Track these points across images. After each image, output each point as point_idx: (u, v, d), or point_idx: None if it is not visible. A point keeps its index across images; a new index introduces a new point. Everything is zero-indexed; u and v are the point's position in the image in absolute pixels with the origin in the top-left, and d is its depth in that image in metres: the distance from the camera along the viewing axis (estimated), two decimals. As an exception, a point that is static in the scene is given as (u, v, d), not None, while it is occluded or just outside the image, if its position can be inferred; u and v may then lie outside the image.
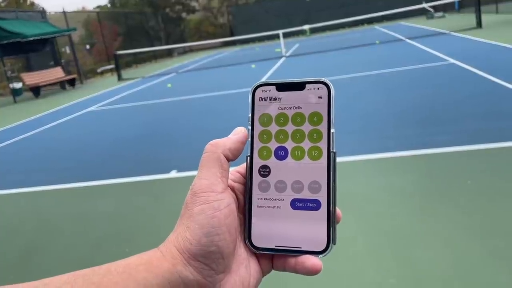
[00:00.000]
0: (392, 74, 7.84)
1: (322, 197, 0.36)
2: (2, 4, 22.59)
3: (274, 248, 0.36)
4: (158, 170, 4.35)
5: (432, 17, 21.74)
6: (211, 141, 0.38)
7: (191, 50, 32.59)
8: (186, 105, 8.18)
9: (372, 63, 9.64)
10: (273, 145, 0.37)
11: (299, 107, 0.37)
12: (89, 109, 9.78)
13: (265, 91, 0.39)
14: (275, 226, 0.36)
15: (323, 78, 0.38)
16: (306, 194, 0.36)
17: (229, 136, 0.39)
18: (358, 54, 12.08)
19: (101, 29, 22.90)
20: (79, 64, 18.88)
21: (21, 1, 23.89)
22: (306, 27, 19.66)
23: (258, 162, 0.37)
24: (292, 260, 0.36)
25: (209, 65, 16.65)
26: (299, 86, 0.38)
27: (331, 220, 0.36)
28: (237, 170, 0.40)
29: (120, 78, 16.36)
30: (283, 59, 14.21)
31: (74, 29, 17.73)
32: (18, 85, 15.03)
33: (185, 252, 0.33)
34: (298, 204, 0.36)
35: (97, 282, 0.32)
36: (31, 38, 14.51)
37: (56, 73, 16.25)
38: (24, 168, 5.39)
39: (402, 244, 2.34)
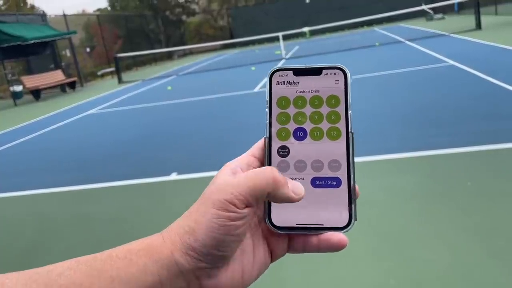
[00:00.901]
0: (392, 76, 7.85)
1: (342, 175, 0.36)
2: (3, 8, 22.66)
3: (296, 227, 0.36)
4: (158, 172, 4.36)
5: (431, 18, 21.78)
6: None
7: (191, 52, 32.64)
8: (186, 107, 8.19)
9: (372, 65, 9.65)
10: (291, 126, 0.38)
11: (317, 91, 0.38)
12: (89, 111, 9.80)
13: (282, 75, 0.39)
14: (295, 205, 0.36)
15: (339, 64, 0.39)
16: (326, 172, 0.36)
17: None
18: (358, 56, 12.09)
19: (102, 32, 22.94)
20: (79, 67, 18.91)
21: (22, 4, 23.96)
22: (306, 29, 19.71)
23: (276, 143, 0.38)
24: (314, 239, 0.36)
25: (209, 68, 16.67)
26: (316, 71, 0.38)
27: (352, 197, 0.36)
28: (252, 154, 0.39)
29: (120, 80, 16.38)
30: (283, 61, 14.23)
31: (75, 32, 17.76)
32: (18, 88, 15.05)
33: (186, 245, 0.33)
34: (318, 182, 0.36)
35: (100, 267, 0.32)
36: (32, 41, 14.54)
37: (57, 76, 16.27)
38: (24, 170, 5.39)
39: (402, 245, 2.35)
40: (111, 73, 21.18)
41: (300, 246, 0.36)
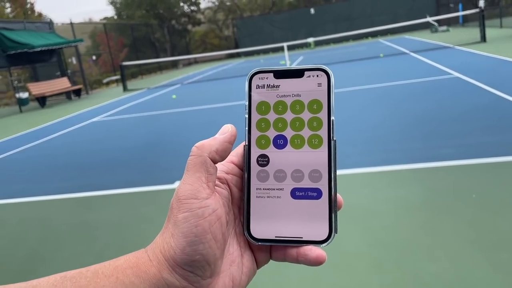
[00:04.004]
0: (396, 87, 7.86)
1: (323, 185, 0.35)
2: (10, 15, 22.93)
3: (274, 239, 0.35)
4: (162, 180, 4.36)
5: (436, 30, 21.84)
6: (197, 143, 0.36)
7: (196, 61, 32.85)
8: (191, 116, 8.22)
9: (376, 76, 9.67)
10: (271, 133, 0.36)
11: (298, 95, 0.36)
12: (94, 119, 9.85)
13: (262, 78, 0.37)
14: (275, 217, 0.35)
15: (322, 65, 0.37)
16: (306, 183, 0.35)
17: (215, 136, 0.37)
18: (362, 67, 12.13)
19: (108, 40, 23.15)
20: (85, 75, 19.06)
21: (29, 12, 24.24)
22: (310, 39, 19.80)
23: (256, 152, 0.36)
24: (293, 251, 0.35)
25: (214, 77, 16.75)
26: (297, 74, 0.37)
27: (333, 209, 0.35)
28: (231, 160, 0.38)
29: (125, 88, 16.48)
30: (287, 71, 14.27)
31: (81, 40, 17.94)
32: (24, 94, 15.17)
33: (170, 259, 0.33)
34: (298, 194, 0.35)
35: (85, 285, 0.31)
36: (39, 49, 14.68)
37: (62, 84, 16.40)
38: (29, 177, 5.41)
39: (406, 257, 2.33)
40: (116, 81, 21.32)
41: (280, 256, 0.36)
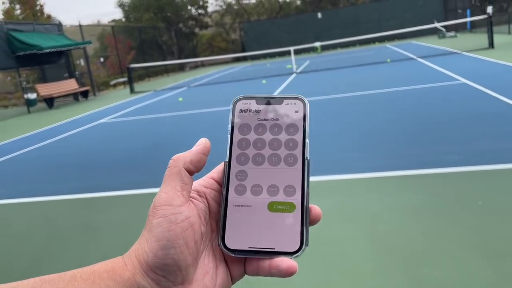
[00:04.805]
0: (403, 93, 7.84)
1: (296, 200, 0.37)
2: (20, 17, 23.18)
3: (248, 250, 0.36)
4: (168, 182, 4.38)
5: (443, 36, 21.78)
6: (173, 156, 0.38)
7: (202, 64, 32.98)
8: (197, 118, 8.25)
9: (383, 81, 9.66)
10: (251, 151, 0.39)
11: (277, 119, 0.39)
12: (101, 120, 9.91)
13: (245, 104, 0.41)
14: (249, 229, 0.37)
15: (299, 95, 0.40)
16: (281, 197, 0.37)
17: (191, 148, 0.39)
18: (369, 72, 12.11)
19: (116, 43, 23.32)
20: (92, 77, 19.20)
21: (38, 14, 24.49)
22: (317, 44, 19.81)
23: (235, 167, 0.39)
24: (266, 263, 0.36)
25: (220, 80, 16.81)
26: (277, 101, 0.40)
27: (305, 222, 0.36)
28: (211, 176, 0.40)
29: (132, 90, 16.59)
30: (294, 75, 14.30)
31: (90, 42, 18.08)
32: (32, 95, 15.31)
33: (143, 263, 0.34)
34: (273, 207, 0.37)
35: (62, 287, 0.33)
36: (47, 50, 14.83)
37: (70, 85, 16.54)
38: (36, 177, 5.46)
39: (411, 263, 2.32)
40: (123, 83, 21.45)
41: (254, 270, 0.36)
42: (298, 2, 40.20)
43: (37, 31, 16.21)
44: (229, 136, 0.40)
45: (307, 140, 0.38)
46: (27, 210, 4.24)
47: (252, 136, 0.39)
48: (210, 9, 38.74)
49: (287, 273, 0.35)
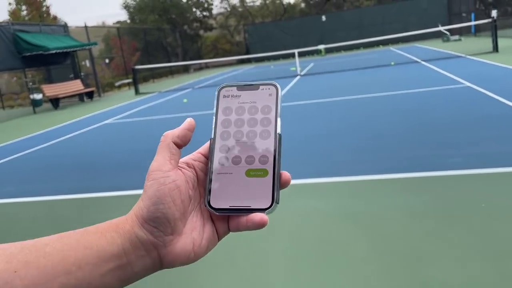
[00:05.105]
0: (407, 96, 7.86)
1: (269, 167, 0.43)
2: (26, 18, 23.35)
3: (229, 208, 0.42)
4: (172, 183, 4.42)
5: (448, 40, 21.76)
6: (164, 133, 0.46)
7: (207, 66, 33.09)
8: (201, 120, 8.26)
9: (386, 84, 9.68)
10: (232, 129, 0.46)
11: (254, 102, 0.46)
12: (106, 121, 9.98)
13: (228, 90, 0.48)
14: (230, 191, 0.43)
15: (273, 82, 0.47)
16: (256, 165, 0.43)
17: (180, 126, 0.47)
18: (373, 75, 12.14)
19: (121, 44, 23.45)
20: (97, 78, 19.31)
21: (44, 15, 24.66)
22: (321, 47, 19.86)
23: (219, 143, 0.46)
24: (243, 219, 0.42)
25: (225, 82, 16.86)
26: (254, 87, 0.47)
27: (275, 185, 0.42)
28: (199, 152, 0.48)
29: (137, 92, 16.68)
30: (298, 77, 14.34)
31: (95, 44, 18.20)
32: (38, 96, 15.42)
33: (140, 217, 0.41)
34: (250, 173, 0.43)
35: (77, 238, 0.40)
36: (53, 51, 14.94)
37: (76, 86, 16.65)
38: (42, 177, 5.51)
39: (414, 264, 2.35)
40: (128, 84, 21.56)
41: (235, 226, 0.43)
42: (303, 5, 40.27)
43: (44, 32, 16.34)
44: (214, 117, 0.48)
45: (278, 118, 0.45)
46: (33, 208, 4.29)
47: (233, 117, 0.46)
48: (214, 11, 38.88)
49: (260, 225, 0.41)
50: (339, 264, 2.46)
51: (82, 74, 18.26)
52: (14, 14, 23.27)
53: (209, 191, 0.43)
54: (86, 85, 17.70)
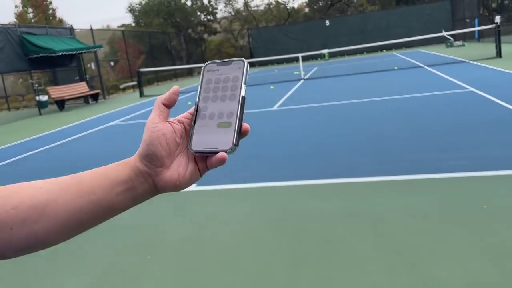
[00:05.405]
0: (410, 100, 7.91)
1: (233, 120, 0.56)
2: (32, 20, 23.56)
3: (203, 150, 0.56)
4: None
5: (451, 45, 21.80)
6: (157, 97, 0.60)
7: (211, 70, 33.15)
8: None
9: (390, 88, 9.73)
10: (211, 94, 0.59)
11: (227, 73, 0.59)
12: (111, 123, 10.07)
13: (210, 66, 0.61)
14: (205, 138, 0.56)
15: (242, 58, 0.59)
16: (224, 119, 0.57)
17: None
18: (376, 79, 12.19)
19: (126, 47, 23.61)
20: (102, 80, 19.45)
21: (50, 18, 24.87)
22: (325, 51, 19.94)
23: (201, 104, 0.59)
24: (212, 158, 0.55)
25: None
26: (228, 63, 0.60)
27: (236, 133, 0.55)
28: (189, 112, 0.61)
29: (142, 94, 16.79)
30: (301, 81, 14.42)
31: (101, 46, 18.34)
32: (44, 97, 15.55)
33: (139, 155, 0.56)
34: (220, 124, 0.56)
35: (100, 171, 0.56)
36: (60, 53, 15.07)
37: (81, 88, 16.78)
38: (48, 177, 5.58)
39: (416, 263, 2.39)
40: (132, 87, 21.70)
41: (209, 164, 0.56)
42: (307, 10, 40.43)
43: (50, 34, 16.48)
44: (199, 86, 0.60)
45: (243, 85, 0.57)
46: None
47: (212, 85, 0.59)
48: (219, 15, 39.06)
49: (221, 160, 0.54)
50: (343, 261, 2.52)
51: (87, 76, 18.39)
52: (20, 16, 23.47)
53: (191, 138, 0.57)
54: (91, 87, 17.83)
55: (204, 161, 0.57)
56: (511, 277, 2.15)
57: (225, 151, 0.54)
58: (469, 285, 2.14)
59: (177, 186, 0.56)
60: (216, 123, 0.56)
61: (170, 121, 0.58)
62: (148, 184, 0.56)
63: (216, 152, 0.55)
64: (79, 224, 0.56)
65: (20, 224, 0.52)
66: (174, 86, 0.60)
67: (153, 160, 0.54)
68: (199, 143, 0.56)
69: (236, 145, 0.55)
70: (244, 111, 0.58)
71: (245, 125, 0.57)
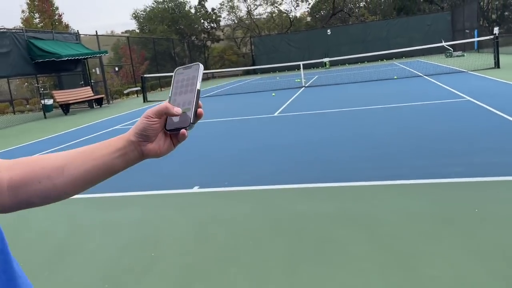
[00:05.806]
0: (409, 108, 8.04)
1: (192, 106, 0.73)
2: (39, 26, 23.84)
3: (173, 129, 0.74)
4: (181, 185, 4.62)
5: (451, 55, 22.00)
6: (148, 110, 0.75)
7: (213, 76, 33.47)
8: (208, 128, 8.51)
9: (389, 97, 9.88)
10: (178, 90, 0.76)
11: (189, 74, 0.77)
12: (116, 127, 10.23)
13: (179, 70, 0.79)
14: (174, 120, 0.74)
15: (198, 63, 0.77)
16: (186, 106, 0.74)
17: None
18: (376, 87, 12.34)
19: (130, 53, 23.88)
20: (107, 85, 19.67)
21: (56, 23, 25.16)
22: (326, 60, 20.15)
23: (173, 98, 0.76)
24: (178, 134, 0.73)
25: (231, 92, 17.13)
26: (190, 67, 0.78)
27: (193, 115, 0.73)
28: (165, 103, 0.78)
29: (145, 99, 16.98)
30: (302, 89, 14.59)
31: (106, 52, 18.56)
32: (49, 101, 15.74)
33: (133, 130, 0.72)
34: (184, 110, 0.74)
35: (104, 142, 0.74)
36: (66, 58, 15.29)
37: (86, 92, 16.97)
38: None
39: (409, 263, 2.51)
40: (136, 92, 21.91)
41: (178, 138, 0.74)
42: (309, 19, 40.77)
43: (56, 39, 16.72)
44: (171, 86, 0.78)
45: (199, 82, 0.74)
46: (47, 206, 4.49)
47: (179, 84, 0.77)
48: (222, 23, 39.40)
49: (182, 135, 0.73)
50: (339, 260, 2.63)
51: (92, 81, 18.60)
52: (26, 21, 23.74)
53: (165, 122, 0.75)
54: (95, 92, 18.03)
55: (176, 137, 0.76)
56: (498, 276, 2.26)
57: (185, 128, 0.73)
58: (458, 283, 2.24)
59: (158, 154, 0.75)
60: (181, 109, 0.75)
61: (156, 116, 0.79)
62: (137, 151, 0.73)
63: (179, 129, 0.74)
64: (90, 180, 0.74)
65: (46, 179, 0.70)
66: (177, 109, 0.75)
67: (142, 136, 0.72)
68: (171, 124, 0.74)
69: (193, 123, 0.73)
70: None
71: (200, 110, 0.75)
